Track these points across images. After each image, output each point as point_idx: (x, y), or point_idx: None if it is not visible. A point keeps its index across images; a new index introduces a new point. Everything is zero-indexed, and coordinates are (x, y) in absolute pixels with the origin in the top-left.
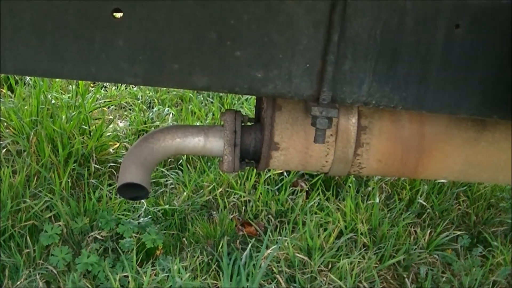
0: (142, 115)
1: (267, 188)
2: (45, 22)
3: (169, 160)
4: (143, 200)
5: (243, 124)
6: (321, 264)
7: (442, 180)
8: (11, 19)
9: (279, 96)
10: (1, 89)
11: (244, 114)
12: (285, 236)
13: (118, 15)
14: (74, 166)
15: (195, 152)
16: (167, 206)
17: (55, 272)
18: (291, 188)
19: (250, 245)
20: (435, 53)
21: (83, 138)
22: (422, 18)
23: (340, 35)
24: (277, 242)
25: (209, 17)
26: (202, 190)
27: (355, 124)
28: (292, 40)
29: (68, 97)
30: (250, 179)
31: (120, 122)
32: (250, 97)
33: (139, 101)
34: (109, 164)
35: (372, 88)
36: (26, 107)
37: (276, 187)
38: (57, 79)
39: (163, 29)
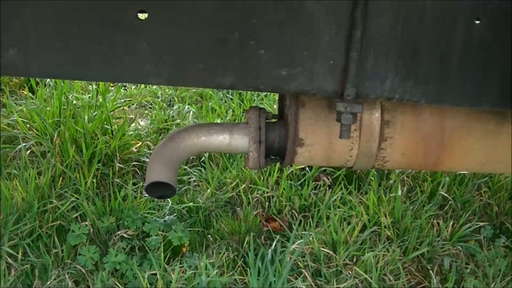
0: (162, 113)
1: (290, 184)
2: (69, 26)
3: (192, 158)
4: (168, 198)
5: (267, 121)
6: (346, 257)
7: (463, 172)
8: (35, 24)
9: (302, 93)
10: (23, 91)
11: (267, 111)
12: (309, 231)
13: (143, 16)
14: (98, 166)
15: (220, 150)
16: (191, 203)
17: (84, 271)
18: (313, 183)
19: (276, 241)
20: (455, 48)
21: (105, 137)
22: (441, 15)
23: (362, 32)
24: (301, 237)
25: (232, 17)
26: (225, 187)
27: (378, 118)
28: (314, 38)
29: (89, 97)
30: (273, 175)
31: (141, 120)
32: (269, 93)
33: (159, 100)
34: (132, 163)
35: (395, 84)
36: (48, 108)
37: (299, 182)
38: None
39: (186, 30)
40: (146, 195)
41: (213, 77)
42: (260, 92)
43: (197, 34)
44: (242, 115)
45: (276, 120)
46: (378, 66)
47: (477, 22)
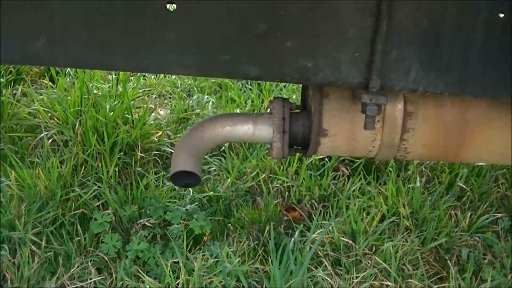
0: (182, 103)
1: (310, 174)
2: (96, 17)
3: None
4: (192, 187)
5: (290, 111)
6: (365, 247)
7: (482, 163)
8: (61, 14)
9: (328, 85)
10: (43, 80)
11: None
12: (329, 221)
13: (171, 7)
14: (119, 155)
15: (244, 140)
16: (212, 192)
17: (106, 259)
18: (333, 173)
19: (298, 230)
20: (477, 39)
21: (126, 127)
22: (464, 5)
23: (387, 23)
24: (321, 227)
25: (258, 8)
26: (245, 176)
27: (401, 110)
28: (340, 30)
29: (109, 87)
30: (293, 165)
31: (161, 110)
32: (288, 84)
33: (178, 89)
34: (153, 152)
35: (418, 75)
36: (69, 98)
37: (318, 172)
38: None
39: (214, 21)
40: (168, 184)
41: (240, 68)
42: (280, 83)
43: (224, 25)
44: (261, 106)
45: (299, 110)
46: (403, 57)
47: (501, 15)
